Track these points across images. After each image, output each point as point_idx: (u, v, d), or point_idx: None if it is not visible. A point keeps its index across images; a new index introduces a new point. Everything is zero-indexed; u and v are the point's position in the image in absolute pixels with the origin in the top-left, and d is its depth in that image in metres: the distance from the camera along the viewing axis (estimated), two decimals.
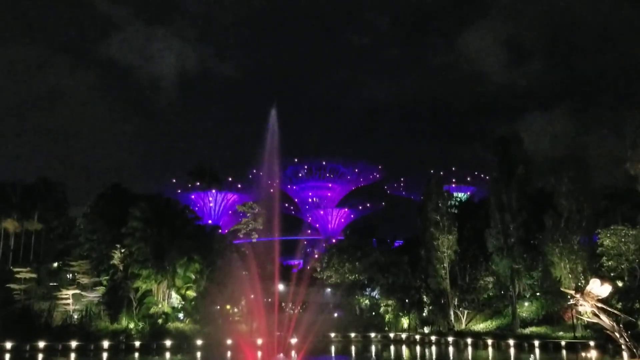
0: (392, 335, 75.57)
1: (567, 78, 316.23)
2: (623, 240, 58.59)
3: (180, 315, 72.73)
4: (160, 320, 68.79)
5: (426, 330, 74.26)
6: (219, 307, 74.35)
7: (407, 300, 77.47)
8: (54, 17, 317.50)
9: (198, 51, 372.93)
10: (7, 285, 71.08)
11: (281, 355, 36.79)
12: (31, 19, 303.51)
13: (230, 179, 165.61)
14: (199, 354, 59.64)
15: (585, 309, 46.30)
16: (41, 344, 59.88)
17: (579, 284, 56.74)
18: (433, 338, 70.15)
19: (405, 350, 65.01)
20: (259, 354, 41.19)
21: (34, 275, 73.55)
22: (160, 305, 70.44)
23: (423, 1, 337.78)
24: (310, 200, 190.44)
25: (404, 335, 74.75)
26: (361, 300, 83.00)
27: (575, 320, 57.42)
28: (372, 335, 75.44)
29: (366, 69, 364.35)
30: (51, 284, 75.28)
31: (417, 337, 72.68)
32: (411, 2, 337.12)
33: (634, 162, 56.66)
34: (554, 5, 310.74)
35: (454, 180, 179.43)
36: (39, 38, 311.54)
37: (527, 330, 63.13)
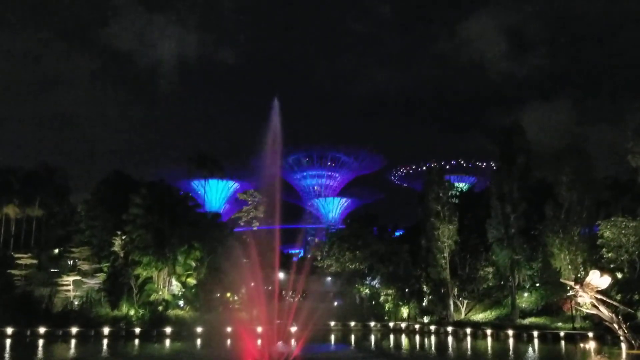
0: (391, 324, 75.75)
1: (569, 68, 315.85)
2: (623, 232, 58.65)
3: (181, 302, 72.95)
4: (160, 308, 68.98)
5: (426, 319, 74.45)
6: (219, 294, 74.60)
7: (407, 290, 77.70)
8: (54, 3, 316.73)
9: (198, 38, 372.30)
10: (8, 270, 71.36)
11: (281, 343, 36.89)
12: (31, 4, 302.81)
13: (231, 167, 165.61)
14: (198, 341, 59.81)
15: (585, 300, 46.69)
16: (41, 330, 60.09)
17: (579, 275, 56.80)
18: (432, 328, 70.37)
19: (404, 340, 65.15)
20: (259, 342, 41.26)
21: (34, 261, 73.80)
22: (160, 293, 70.61)
23: None
24: (311, 188, 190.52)
25: (403, 325, 74.96)
26: (361, 289, 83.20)
27: (574, 311, 57.53)
28: (372, 324, 75.64)
29: (368, 57, 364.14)
30: (52, 270, 75.56)
31: (417, 326, 72.88)
32: None
33: (635, 153, 56.42)
34: None
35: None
36: (40, 24, 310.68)
37: (526, 321, 63.21)
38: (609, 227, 59.63)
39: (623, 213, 61.24)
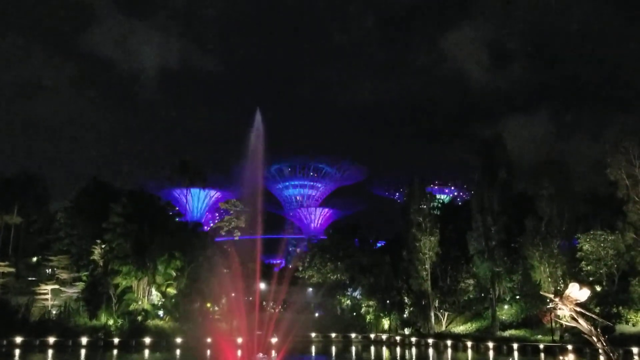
0: (372, 336, 75.70)
1: (548, 81, 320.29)
2: (602, 245, 59.34)
3: (160, 312, 72.22)
4: (139, 318, 68.24)
5: (406, 331, 74.47)
6: (199, 305, 73.97)
7: (388, 301, 77.66)
8: (34, 7, 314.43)
9: (180, 46, 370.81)
10: None
11: (261, 354, 36.57)
12: (10, 9, 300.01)
13: (214, 176, 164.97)
14: (178, 352, 59.27)
15: (564, 312, 46.91)
16: (18, 340, 59.10)
17: (558, 287, 57.24)
18: (413, 339, 70.33)
19: (385, 352, 65.13)
20: (239, 353, 40.96)
21: (12, 270, 72.75)
22: (140, 302, 69.89)
23: (405, 1, 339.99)
24: (293, 198, 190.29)
25: (384, 336, 74.91)
26: (342, 300, 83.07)
27: (553, 324, 57.92)
28: (353, 335, 75.43)
29: (350, 67, 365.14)
30: (30, 278, 74.65)
31: (398, 338, 72.85)
32: (394, 1, 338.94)
33: (613, 167, 57.14)
34: (536, 10, 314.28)
35: (436, 182, 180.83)
36: (19, 29, 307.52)
37: (507, 333, 63.57)
38: (588, 240, 60.32)
39: (602, 227, 61.90)
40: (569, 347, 53.55)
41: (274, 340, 43.43)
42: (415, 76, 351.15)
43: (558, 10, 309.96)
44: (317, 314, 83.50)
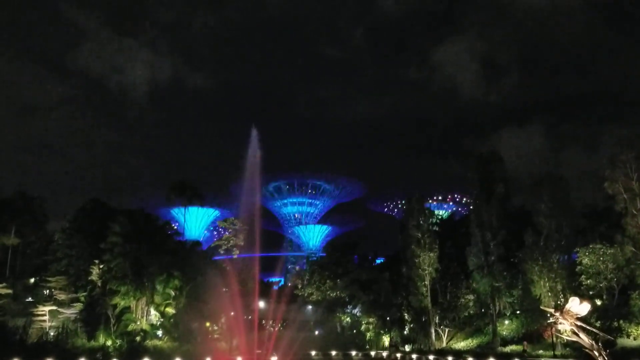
0: (373, 353, 75.15)
1: (541, 94, 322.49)
2: (601, 259, 59.11)
3: (159, 332, 71.66)
4: (138, 338, 67.66)
5: (407, 348, 73.99)
6: (198, 324, 73.47)
7: (388, 318, 77.36)
8: (27, 30, 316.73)
9: (170, 62, 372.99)
10: None
11: None
12: (4, 32, 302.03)
13: (212, 194, 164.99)
14: None
15: (565, 327, 46.56)
16: None
17: (559, 302, 56.94)
18: (414, 357, 69.79)
19: None
20: None
21: (9, 291, 72.14)
22: (138, 323, 69.36)
23: (396, 15, 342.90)
24: (292, 216, 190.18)
25: (384, 354, 74.36)
26: (342, 317, 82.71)
27: (554, 339, 57.61)
28: (353, 353, 74.85)
29: (344, 83, 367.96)
30: (27, 300, 73.95)
31: (398, 355, 72.28)
32: (384, 16, 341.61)
33: (611, 181, 57.18)
34: (529, 24, 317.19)
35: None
36: (14, 51, 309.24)
37: (508, 349, 63.12)
38: (587, 254, 60.13)
39: (601, 240, 61.81)
40: None
41: (273, 359, 43.22)
42: (408, 91, 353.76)
43: (550, 23, 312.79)
44: (316, 332, 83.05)
